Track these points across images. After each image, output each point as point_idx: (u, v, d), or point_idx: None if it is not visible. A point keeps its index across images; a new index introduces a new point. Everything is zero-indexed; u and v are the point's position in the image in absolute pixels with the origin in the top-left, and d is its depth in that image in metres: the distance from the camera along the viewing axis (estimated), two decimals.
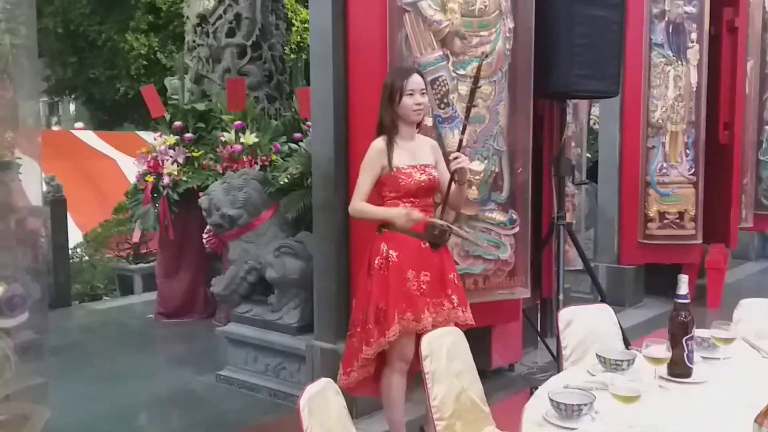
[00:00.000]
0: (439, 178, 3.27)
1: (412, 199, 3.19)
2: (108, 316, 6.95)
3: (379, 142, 3.23)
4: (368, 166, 3.21)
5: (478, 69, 3.29)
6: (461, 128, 3.37)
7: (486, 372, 4.34)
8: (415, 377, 3.09)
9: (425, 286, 3.14)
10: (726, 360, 2.45)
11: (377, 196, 3.27)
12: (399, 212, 3.13)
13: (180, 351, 5.59)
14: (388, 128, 3.22)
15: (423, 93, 3.22)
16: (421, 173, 3.20)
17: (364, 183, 3.21)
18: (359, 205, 3.22)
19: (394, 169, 3.17)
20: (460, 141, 3.32)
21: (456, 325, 3.22)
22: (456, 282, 3.28)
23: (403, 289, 3.11)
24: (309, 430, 1.81)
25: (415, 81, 3.20)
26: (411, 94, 3.17)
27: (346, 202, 3.95)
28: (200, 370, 4.96)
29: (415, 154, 3.24)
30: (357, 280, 3.46)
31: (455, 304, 3.21)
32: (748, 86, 6.91)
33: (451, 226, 3.28)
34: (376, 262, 3.17)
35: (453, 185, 3.24)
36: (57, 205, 7.18)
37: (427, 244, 3.19)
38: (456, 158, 3.18)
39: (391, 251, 3.14)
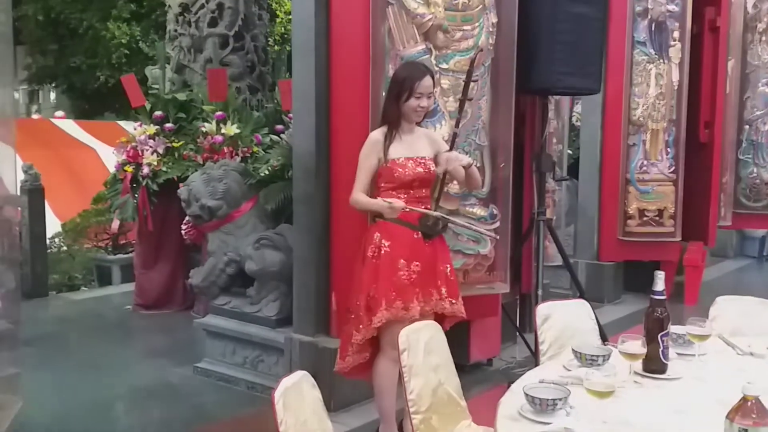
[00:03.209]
0: (436, 171, 3.29)
1: (406, 191, 3.22)
2: (85, 307, 6.87)
3: (377, 134, 3.27)
4: (364, 158, 3.26)
5: (471, 62, 3.37)
6: (455, 122, 3.44)
7: (464, 366, 4.35)
8: None
9: (415, 276, 3.17)
10: (701, 357, 2.46)
11: (373, 186, 3.30)
12: (382, 205, 3.16)
13: (157, 343, 5.55)
14: (390, 121, 3.26)
15: (429, 96, 3.25)
16: (418, 165, 3.23)
17: (361, 174, 3.26)
18: (356, 195, 3.27)
19: (389, 161, 3.20)
20: (455, 135, 3.38)
21: (444, 316, 3.25)
22: (448, 274, 3.30)
23: (393, 278, 3.14)
24: (283, 423, 1.80)
25: (426, 84, 3.22)
26: (418, 97, 3.21)
27: (327, 195, 3.96)
28: (177, 362, 4.92)
29: (413, 147, 3.27)
30: (352, 269, 3.45)
31: (443, 296, 3.23)
32: (729, 85, 6.96)
33: (446, 216, 3.32)
34: (369, 251, 3.20)
35: (447, 177, 3.30)
36: (35, 194, 7.09)
37: (420, 235, 3.21)
38: (452, 158, 3.22)
39: (383, 241, 3.18)
